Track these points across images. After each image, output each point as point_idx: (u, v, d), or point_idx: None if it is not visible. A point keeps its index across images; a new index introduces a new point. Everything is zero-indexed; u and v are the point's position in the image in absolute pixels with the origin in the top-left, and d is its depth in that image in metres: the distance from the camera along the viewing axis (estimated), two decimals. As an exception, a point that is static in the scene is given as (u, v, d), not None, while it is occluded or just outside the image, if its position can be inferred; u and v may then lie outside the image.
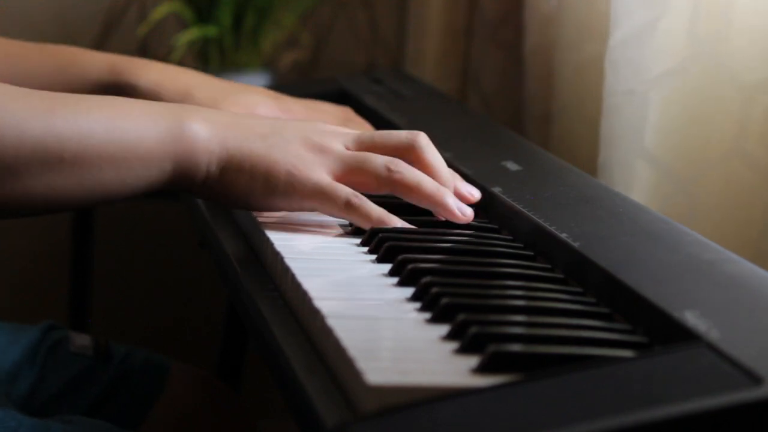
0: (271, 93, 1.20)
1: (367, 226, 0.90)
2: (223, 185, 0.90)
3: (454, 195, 0.93)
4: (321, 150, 0.91)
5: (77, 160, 0.86)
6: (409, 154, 0.93)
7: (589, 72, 1.35)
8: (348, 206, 0.90)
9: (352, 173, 0.91)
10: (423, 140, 0.94)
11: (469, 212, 0.93)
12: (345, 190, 0.90)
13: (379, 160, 0.92)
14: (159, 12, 1.78)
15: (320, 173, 0.91)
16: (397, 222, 0.91)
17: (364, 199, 0.90)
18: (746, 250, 1.13)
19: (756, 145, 1.16)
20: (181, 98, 1.14)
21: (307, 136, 0.92)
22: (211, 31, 1.75)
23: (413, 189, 0.91)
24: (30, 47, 1.19)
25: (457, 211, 0.92)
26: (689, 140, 1.19)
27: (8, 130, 0.83)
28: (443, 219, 0.93)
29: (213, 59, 1.78)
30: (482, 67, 1.67)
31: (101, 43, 1.92)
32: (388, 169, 0.91)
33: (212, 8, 1.76)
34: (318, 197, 0.90)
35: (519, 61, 1.57)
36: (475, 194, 0.95)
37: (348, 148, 0.93)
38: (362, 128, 1.19)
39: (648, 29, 1.18)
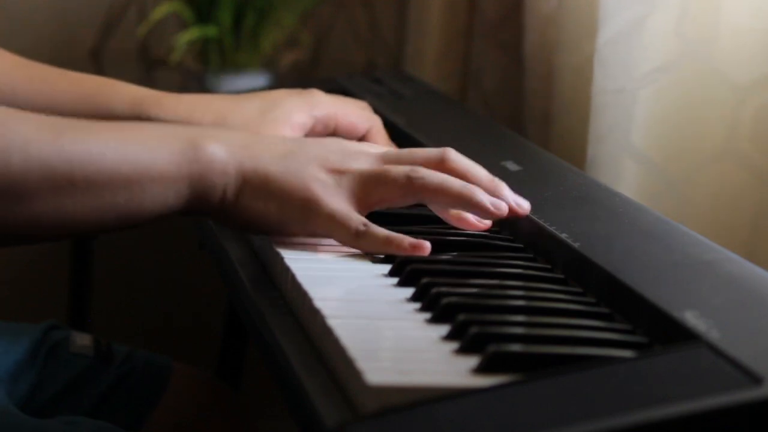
0: (302, 93, 1.15)
1: (376, 252, 0.87)
2: (238, 210, 0.87)
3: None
4: (340, 171, 0.88)
5: (88, 183, 0.83)
6: (441, 167, 0.89)
7: (588, 72, 1.35)
8: (356, 237, 0.86)
9: (372, 189, 0.87)
10: (453, 153, 0.90)
11: (504, 206, 0.88)
12: (355, 220, 0.86)
13: (399, 170, 0.88)
14: (159, 12, 1.78)
15: (337, 200, 0.87)
16: (404, 241, 0.86)
17: (372, 226, 0.86)
18: (736, 250, 1.13)
19: (747, 145, 1.16)
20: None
21: (327, 157, 0.88)
22: (211, 31, 1.75)
23: (438, 191, 0.87)
24: (55, 72, 1.15)
25: (490, 206, 0.87)
26: (679, 139, 1.19)
27: (15, 152, 0.80)
28: (476, 223, 0.89)
29: (213, 59, 1.78)
30: (482, 67, 1.66)
31: (101, 43, 1.92)
32: (409, 177, 0.87)
33: (212, 8, 1.76)
34: (331, 226, 0.86)
35: (519, 61, 1.57)
36: (524, 206, 0.90)
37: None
38: (379, 125, 1.17)
39: (636, 27, 1.18)
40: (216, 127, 0.89)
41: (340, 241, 0.88)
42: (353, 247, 0.88)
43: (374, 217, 0.89)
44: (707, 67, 1.16)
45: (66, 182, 0.82)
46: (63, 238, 0.88)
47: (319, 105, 1.14)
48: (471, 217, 0.90)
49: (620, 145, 1.20)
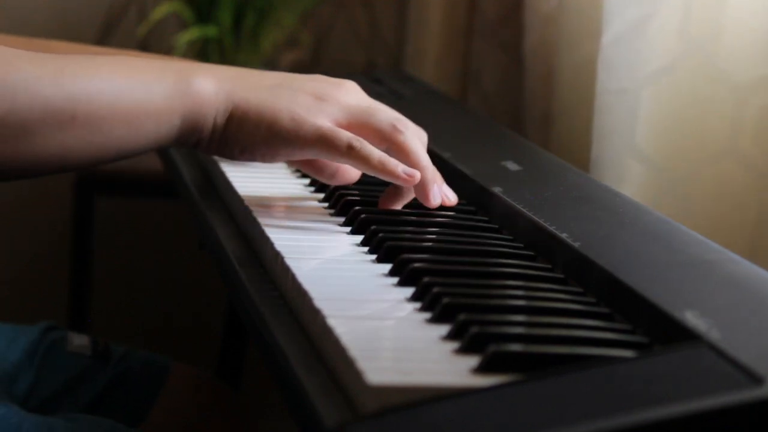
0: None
1: (368, 171, 0.91)
2: (227, 134, 0.91)
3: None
4: (326, 99, 0.92)
5: (89, 118, 0.86)
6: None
7: (588, 71, 1.35)
8: (349, 149, 0.90)
9: (355, 125, 0.92)
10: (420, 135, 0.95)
11: (438, 202, 0.93)
12: (346, 134, 0.91)
13: (386, 115, 0.93)
14: (159, 12, 1.78)
15: (323, 119, 0.91)
16: (399, 166, 0.91)
17: (365, 142, 0.91)
18: (738, 250, 1.13)
19: (749, 145, 1.16)
20: None
21: (315, 86, 0.93)
22: (211, 31, 1.75)
23: (411, 153, 0.92)
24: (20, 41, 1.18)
25: (432, 199, 0.92)
26: (681, 139, 1.19)
27: (21, 91, 0.83)
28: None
29: (213, 59, 1.78)
30: (482, 67, 1.67)
31: (101, 43, 1.92)
32: (394, 126, 0.92)
33: (212, 8, 1.76)
34: (320, 142, 0.91)
35: (519, 61, 1.57)
36: (452, 198, 0.95)
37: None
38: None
39: (640, 28, 1.18)
40: (206, 64, 0.95)
41: (330, 157, 0.91)
42: (343, 160, 0.91)
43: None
44: (710, 67, 1.16)
45: (68, 118, 0.85)
46: (62, 171, 0.91)
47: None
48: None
49: (623, 145, 1.20)
